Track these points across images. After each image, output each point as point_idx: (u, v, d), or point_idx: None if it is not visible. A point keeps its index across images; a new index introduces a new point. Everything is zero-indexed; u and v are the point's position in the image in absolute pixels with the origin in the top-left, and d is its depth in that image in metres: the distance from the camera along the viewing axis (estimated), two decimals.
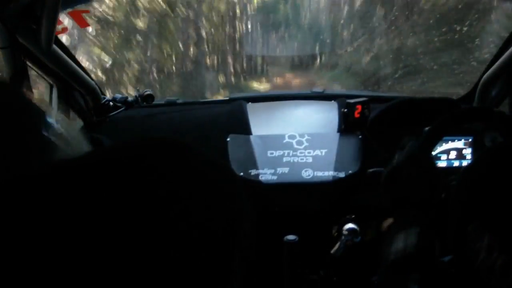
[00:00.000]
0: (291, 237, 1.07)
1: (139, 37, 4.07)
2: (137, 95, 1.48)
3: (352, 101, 1.25)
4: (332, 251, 1.16)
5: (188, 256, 0.26)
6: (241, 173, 1.18)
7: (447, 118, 0.84)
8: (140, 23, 3.92)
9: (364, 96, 1.36)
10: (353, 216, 1.17)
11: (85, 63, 3.15)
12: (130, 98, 1.48)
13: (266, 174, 1.18)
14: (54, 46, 1.13)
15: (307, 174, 1.18)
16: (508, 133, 1.03)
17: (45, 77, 1.25)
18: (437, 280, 0.69)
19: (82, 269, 0.23)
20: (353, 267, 1.21)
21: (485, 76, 1.32)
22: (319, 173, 1.18)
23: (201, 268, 0.26)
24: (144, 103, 1.47)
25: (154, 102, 1.49)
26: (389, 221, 1.01)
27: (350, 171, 1.19)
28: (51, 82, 1.29)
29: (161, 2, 3.99)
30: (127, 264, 0.24)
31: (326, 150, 1.22)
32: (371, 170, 1.16)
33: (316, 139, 1.25)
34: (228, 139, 1.26)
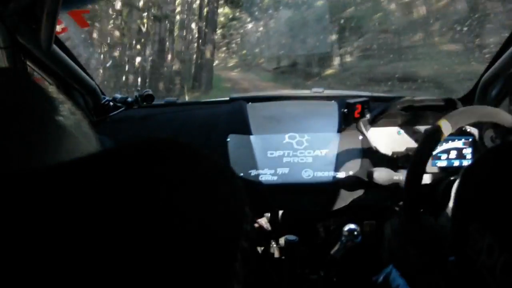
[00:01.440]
0: (291, 237, 1.08)
1: None
2: (137, 95, 1.48)
3: (352, 101, 1.25)
4: (332, 252, 1.16)
5: (190, 257, 0.26)
6: (241, 174, 1.17)
7: (425, 140, 0.84)
8: None
9: (364, 96, 1.36)
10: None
11: None
12: (130, 98, 1.49)
13: (266, 175, 1.18)
14: (54, 46, 1.13)
15: (307, 175, 1.18)
16: (508, 133, 1.04)
17: (45, 77, 1.25)
18: (442, 280, 0.69)
19: (80, 269, 0.23)
20: (353, 267, 1.21)
21: (485, 76, 1.32)
22: (319, 174, 1.18)
23: (203, 270, 0.26)
24: (144, 103, 1.47)
25: (154, 102, 1.49)
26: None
27: (350, 172, 1.19)
28: (51, 82, 1.29)
29: None
30: (128, 265, 0.24)
31: (326, 151, 1.22)
32: (371, 170, 1.16)
33: (316, 140, 1.25)
34: (228, 140, 1.26)
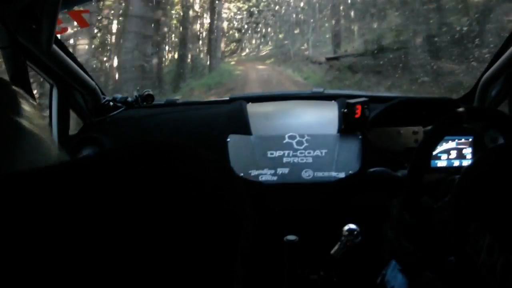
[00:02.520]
0: (291, 237, 1.07)
1: None
2: (137, 95, 1.48)
3: (352, 101, 1.25)
4: (332, 252, 1.16)
5: (190, 257, 0.26)
6: (241, 174, 1.17)
7: (449, 117, 0.84)
8: None
9: (364, 96, 1.36)
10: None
11: None
12: (130, 98, 1.49)
13: (266, 175, 1.18)
14: (54, 46, 1.12)
15: (307, 175, 1.18)
16: (509, 133, 1.04)
17: (45, 77, 1.25)
18: (442, 279, 0.69)
19: (80, 270, 0.23)
20: (353, 267, 1.21)
21: (485, 76, 1.32)
22: (319, 174, 1.18)
23: (203, 270, 0.26)
24: (144, 103, 1.48)
25: (154, 102, 1.49)
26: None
27: (350, 172, 1.19)
28: (51, 82, 1.29)
29: None
30: (128, 265, 0.24)
31: (326, 151, 1.22)
32: (371, 170, 1.16)
33: (316, 140, 1.25)
34: (228, 140, 1.26)
